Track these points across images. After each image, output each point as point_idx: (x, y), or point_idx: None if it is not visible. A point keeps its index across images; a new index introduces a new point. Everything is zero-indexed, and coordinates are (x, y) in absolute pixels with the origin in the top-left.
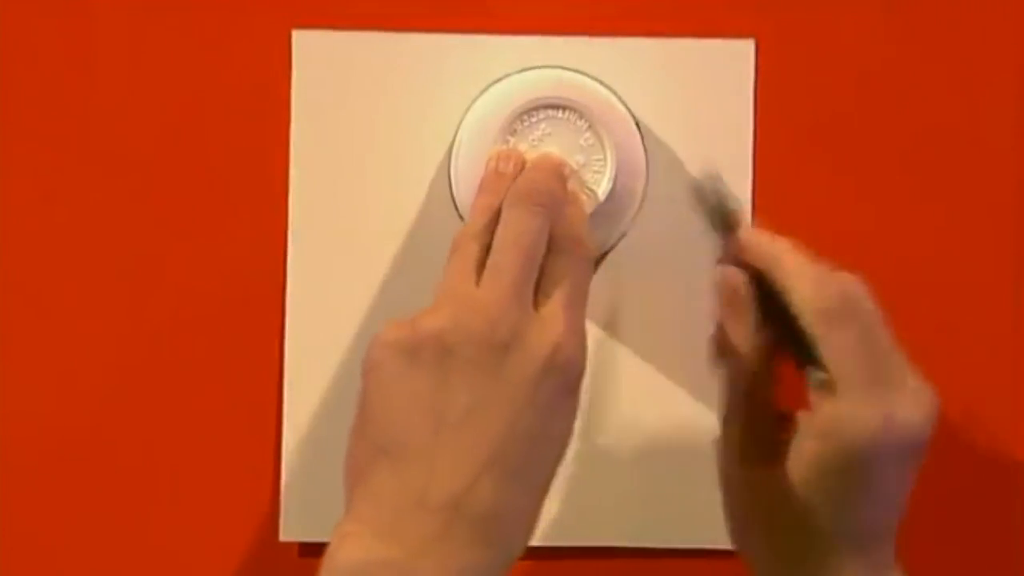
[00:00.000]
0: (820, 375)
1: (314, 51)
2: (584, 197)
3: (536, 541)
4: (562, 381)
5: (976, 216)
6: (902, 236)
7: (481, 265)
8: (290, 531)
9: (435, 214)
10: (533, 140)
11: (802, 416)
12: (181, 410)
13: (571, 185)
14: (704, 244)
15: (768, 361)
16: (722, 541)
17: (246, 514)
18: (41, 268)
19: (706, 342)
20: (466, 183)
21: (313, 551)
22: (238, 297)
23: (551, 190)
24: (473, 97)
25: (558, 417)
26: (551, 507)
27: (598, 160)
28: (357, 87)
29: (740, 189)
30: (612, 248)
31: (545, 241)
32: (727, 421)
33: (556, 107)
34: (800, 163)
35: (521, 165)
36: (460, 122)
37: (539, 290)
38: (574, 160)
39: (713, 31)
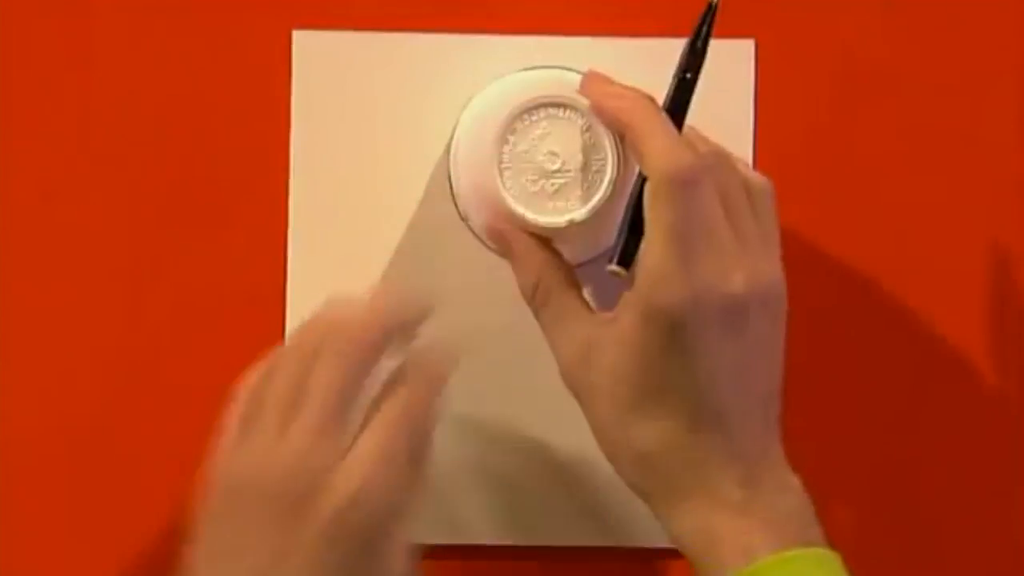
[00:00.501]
0: (614, 268)
1: (314, 51)
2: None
3: (528, 541)
4: (361, 532)
5: (977, 215)
6: (902, 235)
7: (291, 407)
8: None
9: (434, 213)
10: (533, 139)
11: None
12: (182, 410)
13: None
14: None
15: None
16: None
17: None
18: (41, 268)
19: None
20: (465, 182)
21: None
22: (238, 297)
23: (367, 337)
24: (474, 96)
25: (364, 559)
26: (538, 507)
27: (599, 160)
28: (357, 87)
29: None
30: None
31: (357, 392)
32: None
33: (556, 106)
34: (800, 162)
35: (351, 305)
36: (458, 120)
37: (363, 426)
38: (575, 160)
39: (714, 31)
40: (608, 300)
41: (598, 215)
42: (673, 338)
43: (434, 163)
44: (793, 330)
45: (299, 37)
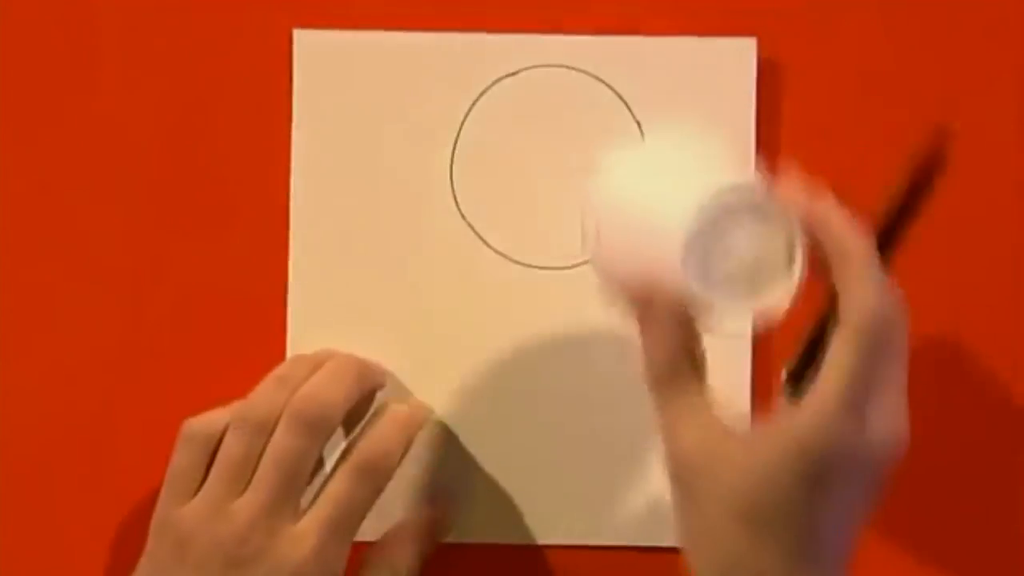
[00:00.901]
0: (791, 390)
1: (315, 50)
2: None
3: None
4: None
5: (978, 215)
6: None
7: (255, 456)
8: None
9: (436, 213)
10: (727, 227)
11: (772, 422)
12: (182, 410)
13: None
14: None
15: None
16: None
17: None
18: (41, 268)
19: None
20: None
21: None
22: (239, 297)
23: (329, 407)
24: (474, 96)
25: None
26: (541, 505)
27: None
28: (358, 86)
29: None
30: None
31: (311, 461)
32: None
33: (764, 212)
34: (801, 162)
35: (313, 369)
36: (463, 120)
37: (314, 497)
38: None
39: (714, 29)
40: None
41: None
42: (817, 481)
43: (435, 161)
44: (794, 328)
45: (300, 36)
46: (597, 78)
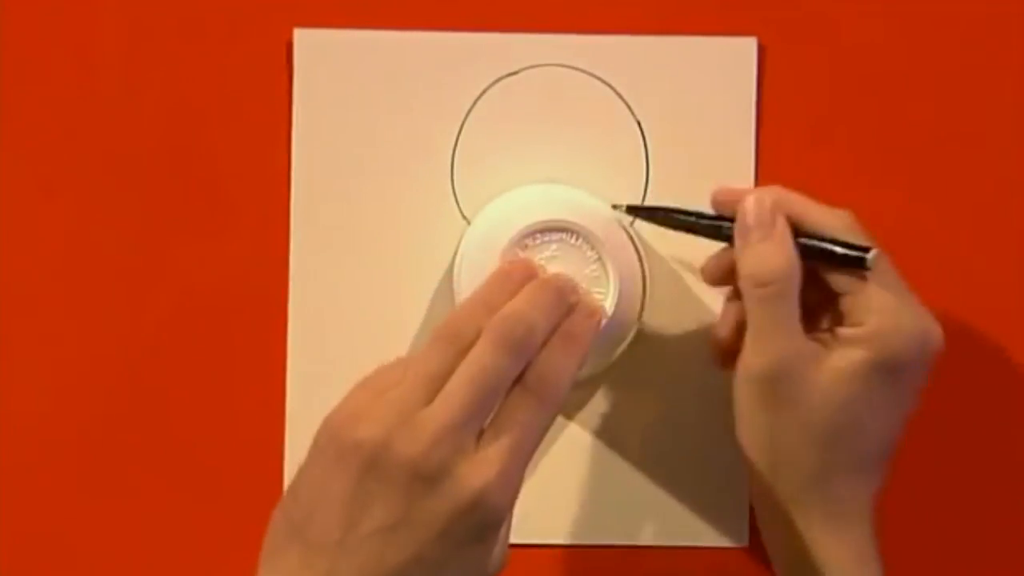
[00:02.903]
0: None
1: (315, 50)
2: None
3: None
4: (478, 526)
5: (981, 213)
6: (905, 233)
7: (447, 374)
8: None
9: (436, 212)
10: (541, 259)
11: (845, 331)
12: (183, 411)
13: (572, 320)
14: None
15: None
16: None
17: (248, 515)
18: (41, 268)
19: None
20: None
21: None
22: (240, 297)
23: (533, 328)
24: (474, 96)
25: (466, 558)
26: (541, 505)
27: (599, 292)
28: (358, 86)
29: (743, 186)
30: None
31: (508, 382)
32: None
33: (570, 232)
34: (802, 160)
35: (528, 278)
36: (463, 120)
37: (494, 422)
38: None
39: (715, 29)
40: None
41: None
42: (896, 378)
43: (435, 161)
44: None
45: (300, 35)
46: (597, 78)
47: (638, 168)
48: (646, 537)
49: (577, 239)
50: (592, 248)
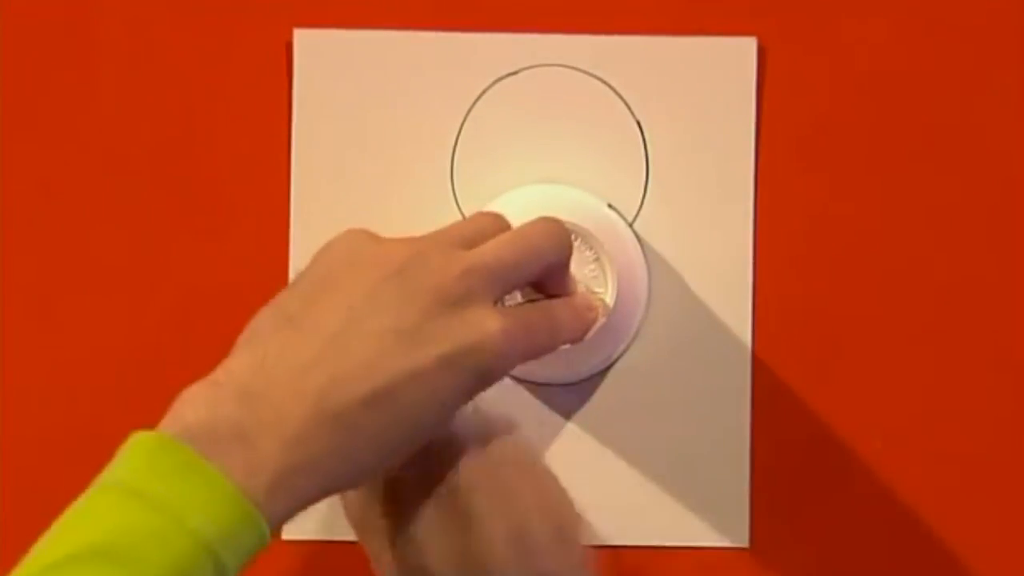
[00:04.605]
0: None
1: (315, 50)
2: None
3: None
4: (473, 368)
5: (980, 216)
6: (905, 234)
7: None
8: (293, 529)
9: (436, 212)
10: None
11: None
12: None
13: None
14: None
15: None
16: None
17: None
18: (41, 268)
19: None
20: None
21: (316, 550)
22: (240, 297)
23: (570, 253)
24: (475, 95)
25: (458, 391)
26: None
27: (599, 292)
28: (358, 86)
29: (742, 188)
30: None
31: (541, 268)
32: None
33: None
34: (802, 161)
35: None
36: (463, 120)
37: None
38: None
39: (715, 29)
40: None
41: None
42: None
43: (435, 161)
44: (796, 329)
45: (300, 36)
46: (597, 78)
47: (638, 168)
48: (646, 537)
49: (576, 239)
50: (591, 248)
